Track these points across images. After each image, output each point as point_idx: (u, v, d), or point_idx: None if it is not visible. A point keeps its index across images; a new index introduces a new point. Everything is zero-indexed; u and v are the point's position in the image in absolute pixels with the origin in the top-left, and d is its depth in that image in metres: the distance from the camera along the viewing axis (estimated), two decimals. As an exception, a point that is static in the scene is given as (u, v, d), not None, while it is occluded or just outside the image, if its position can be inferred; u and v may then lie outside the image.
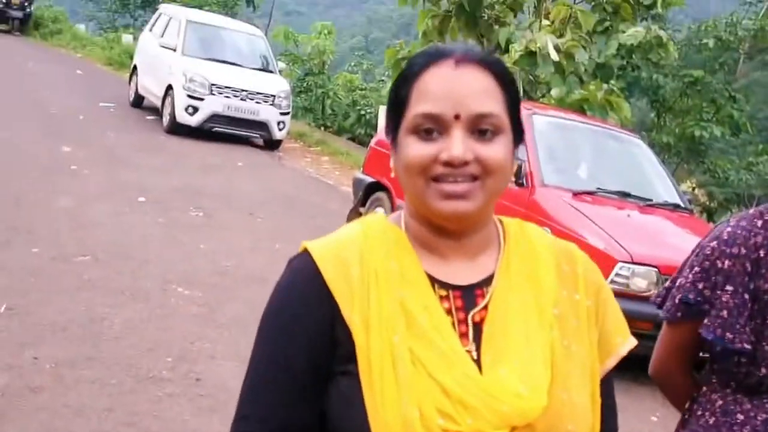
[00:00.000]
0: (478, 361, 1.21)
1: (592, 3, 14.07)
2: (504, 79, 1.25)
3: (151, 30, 15.14)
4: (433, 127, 1.20)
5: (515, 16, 14.63)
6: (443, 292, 1.25)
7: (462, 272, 1.27)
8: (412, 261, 1.26)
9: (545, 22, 13.26)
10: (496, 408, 1.16)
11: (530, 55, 12.17)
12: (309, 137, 15.51)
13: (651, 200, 6.69)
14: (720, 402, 1.87)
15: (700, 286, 1.83)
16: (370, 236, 1.27)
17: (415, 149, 1.21)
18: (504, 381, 1.19)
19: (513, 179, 6.22)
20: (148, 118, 13.96)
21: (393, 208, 7.68)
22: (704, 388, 1.92)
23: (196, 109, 12.60)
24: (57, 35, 25.58)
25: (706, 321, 1.82)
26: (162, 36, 14.12)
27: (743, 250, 1.80)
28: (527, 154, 6.43)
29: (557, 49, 12.22)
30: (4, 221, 6.91)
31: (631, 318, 5.29)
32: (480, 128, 1.21)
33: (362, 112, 18.95)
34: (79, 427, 3.89)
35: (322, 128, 18.50)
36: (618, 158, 7.38)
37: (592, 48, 13.81)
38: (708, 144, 18.15)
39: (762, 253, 1.80)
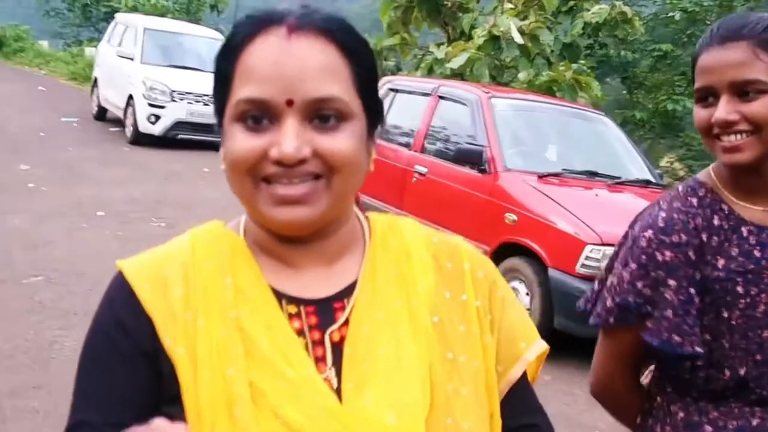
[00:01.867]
0: (338, 389, 1.00)
1: (556, -17, 13.92)
2: (351, 50, 1.01)
3: (108, 41, 14.83)
4: (260, 115, 0.98)
5: (478, 1, 14.47)
6: (293, 309, 1.04)
7: (316, 283, 1.06)
8: (251, 273, 1.04)
9: (508, 5, 13.09)
10: None
11: (494, 39, 12.00)
12: (278, 138, 15.29)
13: (620, 178, 6.49)
14: (681, 414, 1.60)
15: (639, 285, 1.54)
16: (198, 248, 1.06)
17: (240, 142, 0.99)
18: (368, 410, 0.98)
19: (474, 166, 6.11)
20: (112, 130, 13.67)
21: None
22: (658, 400, 1.65)
23: (158, 118, 12.33)
24: (20, 53, 25.22)
25: (649, 324, 1.54)
26: (119, 45, 13.82)
27: (684, 237, 1.52)
28: (488, 139, 6.23)
29: (521, 31, 12.06)
30: (-46, 246, 6.64)
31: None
32: (320, 114, 0.98)
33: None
34: (18, 461, 3.65)
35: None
36: (584, 137, 7.19)
37: (557, 28, 13.70)
38: (682, 117, 18.04)
39: (705, 236, 1.54)
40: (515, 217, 5.71)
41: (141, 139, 12.47)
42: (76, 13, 30.30)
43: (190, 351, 0.98)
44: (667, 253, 1.52)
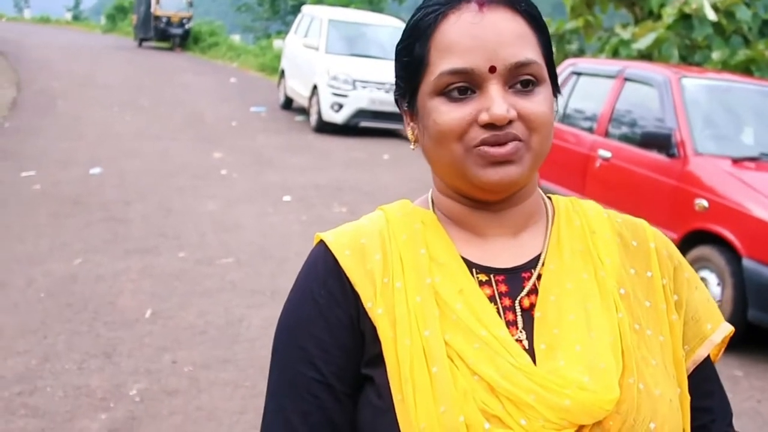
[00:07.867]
0: (531, 351, 1.03)
1: (755, -46, 13.06)
2: (538, 22, 1.08)
3: (295, 32, 15.38)
4: (465, 85, 1.03)
5: (668, -22, 13.81)
6: (483, 277, 1.08)
7: (504, 253, 1.11)
8: (443, 244, 1.09)
9: (702, -20, 12.39)
10: (556, 403, 0.97)
11: (685, 18, 11.41)
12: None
13: (825, 161, 5.97)
14: None
15: None
16: (392, 221, 1.12)
17: (448, 113, 1.04)
18: (563, 371, 1.00)
19: (662, 150, 5.83)
20: (297, 119, 14.19)
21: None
22: None
23: (341, 106, 12.66)
24: (214, 47, 26.68)
25: None
26: (305, 37, 14.29)
27: None
28: (677, 122, 5.91)
29: (715, 8, 11.40)
30: (156, 229, 7.12)
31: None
32: (519, 80, 1.03)
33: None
34: (211, 429, 3.86)
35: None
36: (786, 118, 6.67)
37: (756, 4, 12.82)
38: None
39: None
40: (706, 204, 5.40)
41: (324, 127, 12.85)
42: (266, 7, 31.74)
43: (389, 312, 1.03)
44: None
